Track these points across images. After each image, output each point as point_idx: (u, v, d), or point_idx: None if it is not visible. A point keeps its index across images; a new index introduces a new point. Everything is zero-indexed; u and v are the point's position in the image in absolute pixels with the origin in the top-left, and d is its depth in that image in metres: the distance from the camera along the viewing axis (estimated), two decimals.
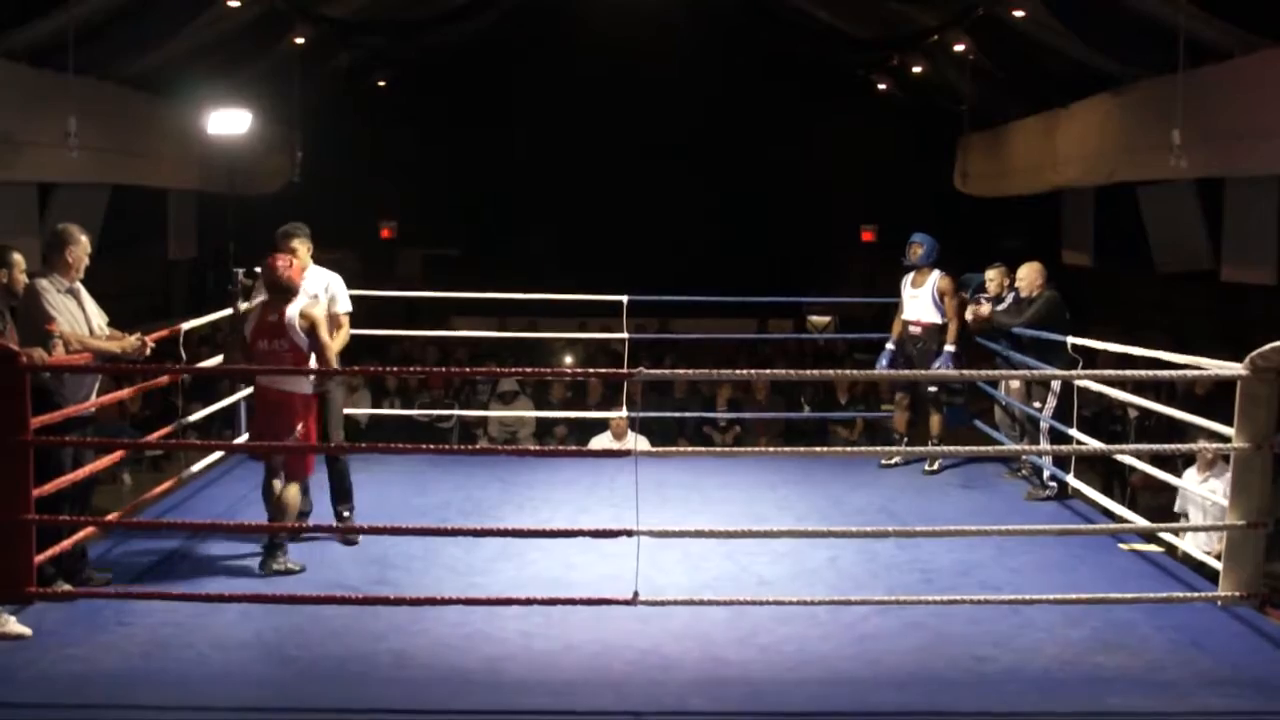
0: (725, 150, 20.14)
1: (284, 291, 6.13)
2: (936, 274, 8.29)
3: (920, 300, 8.29)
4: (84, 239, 5.74)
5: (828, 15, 16.66)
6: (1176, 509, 8.12)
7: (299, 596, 5.36)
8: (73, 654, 4.91)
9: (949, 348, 8.14)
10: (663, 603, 5.12)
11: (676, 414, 11.43)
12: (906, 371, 8.28)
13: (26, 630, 5.01)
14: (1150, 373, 6.24)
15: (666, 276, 13.12)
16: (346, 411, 12.25)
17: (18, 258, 5.54)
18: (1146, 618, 5.39)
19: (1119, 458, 8.34)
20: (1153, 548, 6.59)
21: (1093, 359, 7.70)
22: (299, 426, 6.04)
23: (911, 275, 8.39)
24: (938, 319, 8.24)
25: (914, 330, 8.32)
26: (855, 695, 4.73)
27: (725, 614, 5.34)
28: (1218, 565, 5.58)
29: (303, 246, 6.56)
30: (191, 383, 10.41)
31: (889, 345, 8.47)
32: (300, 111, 15.94)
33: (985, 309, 8.14)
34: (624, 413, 9.44)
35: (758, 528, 6.37)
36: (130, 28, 10.97)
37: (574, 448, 10.07)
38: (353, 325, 6.88)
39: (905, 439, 8.61)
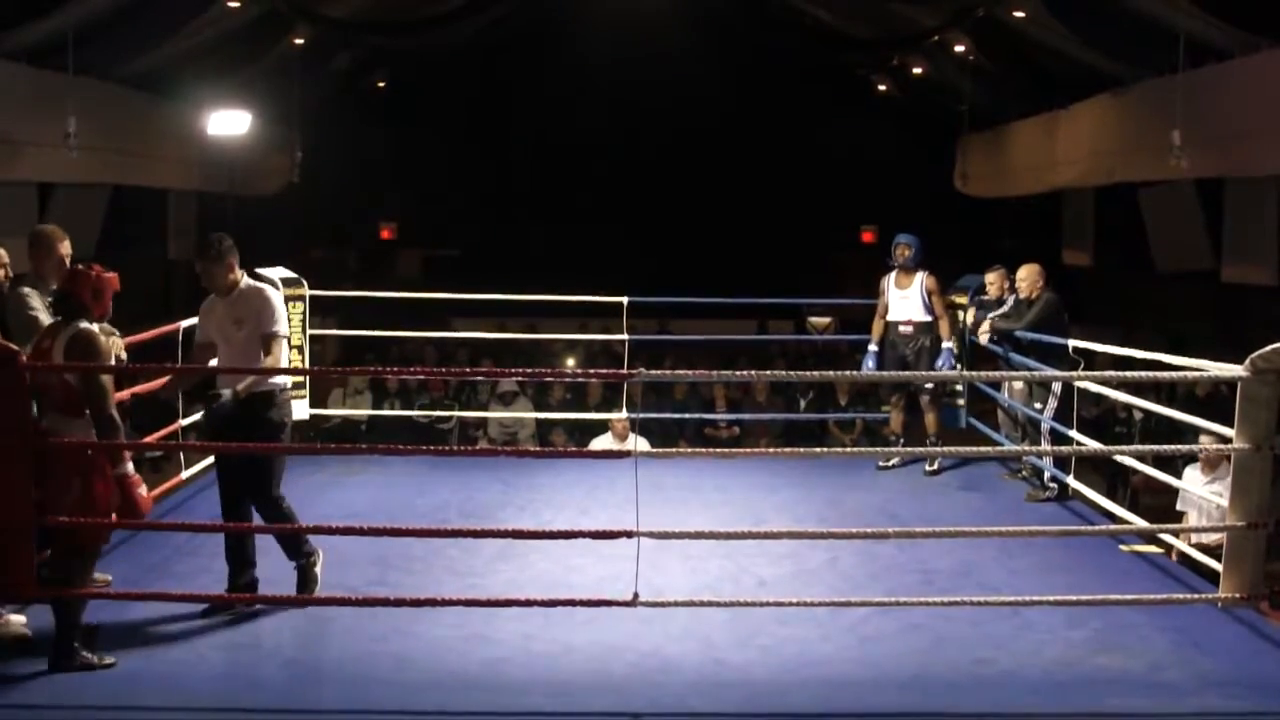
0: (725, 150, 20.14)
1: (75, 309, 4.87)
2: (922, 274, 8.30)
3: (910, 301, 8.30)
4: (65, 239, 5.63)
5: (828, 16, 16.67)
6: (1178, 509, 8.14)
7: (299, 598, 5.36)
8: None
9: (947, 344, 8.15)
10: (663, 604, 5.11)
11: (676, 415, 11.43)
12: (908, 373, 8.28)
13: (27, 631, 5.01)
14: (1150, 374, 6.24)
15: (666, 277, 13.14)
16: (347, 412, 12.46)
17: (2, 253, 5.53)
18: (1147, 619, 5.39)
19: (1121, 459, 8.34)
20: (1153, 549, 6.59)
21: (1093, 360, 7.71)
22: (76, 483, 4.77)
23: (895, 275, 8.39)
24: (928, 317, 8.26)
25: (905, 330, 8.31)
26: (855, 697, 4.73)
27: (725, 615, 5.33)
28: (1217, 566, 5.57)
29: (234, 260, 5.52)
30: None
31: (872, 346, 8.46)
32: (300, 111, 15.94)
33: (986, 325, 8.09)
34: (624, 414, 9.44)
35: (758, 529, 6.38)
36: (130, 28, 10.97)
37: (574, 449, 10.07)
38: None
39: (901, 439, 8.61)
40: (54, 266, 5.52)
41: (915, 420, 8.60)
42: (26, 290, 5.50)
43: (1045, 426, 7.59)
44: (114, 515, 4.92)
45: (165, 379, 6.04)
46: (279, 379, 5.49)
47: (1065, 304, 7.92)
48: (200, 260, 5.53)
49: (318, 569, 5.57)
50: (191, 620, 5.24)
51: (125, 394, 6.92)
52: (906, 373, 8.28)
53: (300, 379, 8.16)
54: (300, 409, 8.20)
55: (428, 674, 4.85)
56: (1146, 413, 9.35)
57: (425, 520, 6.83)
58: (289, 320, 7.93)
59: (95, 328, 4.91)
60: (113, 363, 5.07)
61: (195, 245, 5.36)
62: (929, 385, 8.34)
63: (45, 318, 5.38)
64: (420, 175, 20.08)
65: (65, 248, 5.61)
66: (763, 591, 5.79)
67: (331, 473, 7.93)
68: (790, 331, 18.60)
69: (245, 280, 5.54)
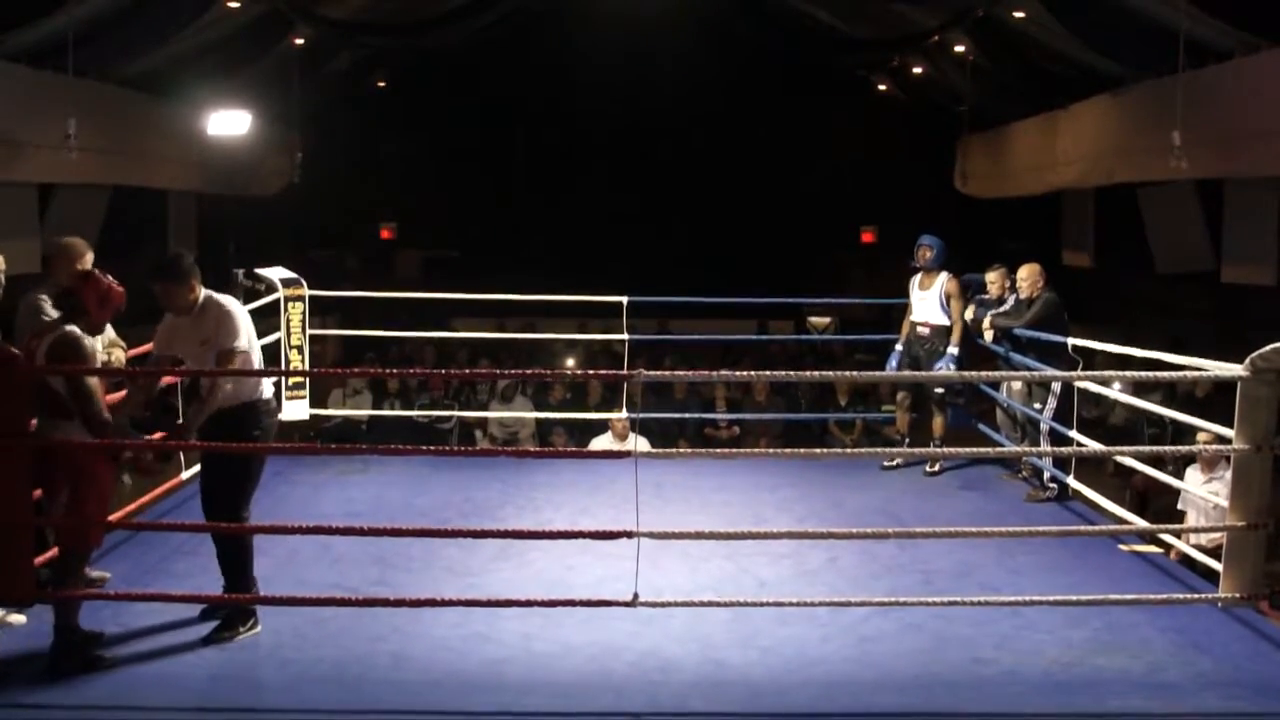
0: (725, 151, 20.14)
1: (76, 310, 4.84)
2: (944, 276, 8.29)
3: (928, 302, 8.29)
4: (89, 254, 5.63)
5: (828, 16, 16.67)
6: (1179, 508, 8.14)
7: (298, 598, 5.35)
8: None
9: (952, 349, 8.13)
10: (663, 604, 5.11)
11: (676, 415, 11.44)
12: (906, 373, 8.27)
13: (22, 618, 5.03)
14: (1150, 374, 6.24)
15: (666, 277, 13.13)
16: (347, 412, 12.45)
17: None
18: (1147, 619, 5.39)
19: (1130, 463, 8.33)
20: (1153, 549, 6.60)
21: (1093, 360, 7.70)
22: (65, 486, 4.83)
23: (919, 277, 8.39)
24: (945, 321, 8.24)
25: (922, 332, 8.32)
26: (855, 697, 4.73)
27: (725, 615, 5.33)
28: (1217, 566, 5.57)
29: (196, 279, 5.25)
30: (190, 384, 10.41)
31: (897, 346, 8.48)
32: (300, 112, 15.94)
33: (988, 322, 8.09)
34: (624, 414, 9.44)
35: (758, 529, 6.38)
36: (130, 28, 10.97)
37: (574, 449, 10.07)
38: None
39: (907, 440, 8.60)
40: (70, 278, 5.47)
41: (922, 421, 8.59)
42: (43, 297, 5.52)
43: (1045, 426, 7.59)
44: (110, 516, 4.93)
45: (121, 394, 5.81)
46: (262, 390, 5.31)
47: (1065, 304, 7.92)
48: (161, 280, 5.16)
49: (242, 635, 5.11)
50: (191, 620, 5.23)
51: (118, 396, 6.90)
52: (906, 373, 8.27)
53: (300, 379, 8.16)
54: (300, 409, 8.20)
55: (427, 674, 4.85)
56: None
57: (425, 520, 6.82)
58: (289, 321, 8.02)
59: (97, 342, 4.90)
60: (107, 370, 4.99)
61: (155, 262, 4.99)
62: (936, 389, 8.33)
63: None
64: (420, 175, 20.08)
65: (88, 261, 5.59)
66: (763, 592, 5.79)
67: (331, 473, 7.93)
68: (790, 331, 18.59)
69: (203, 294, 5.24)
